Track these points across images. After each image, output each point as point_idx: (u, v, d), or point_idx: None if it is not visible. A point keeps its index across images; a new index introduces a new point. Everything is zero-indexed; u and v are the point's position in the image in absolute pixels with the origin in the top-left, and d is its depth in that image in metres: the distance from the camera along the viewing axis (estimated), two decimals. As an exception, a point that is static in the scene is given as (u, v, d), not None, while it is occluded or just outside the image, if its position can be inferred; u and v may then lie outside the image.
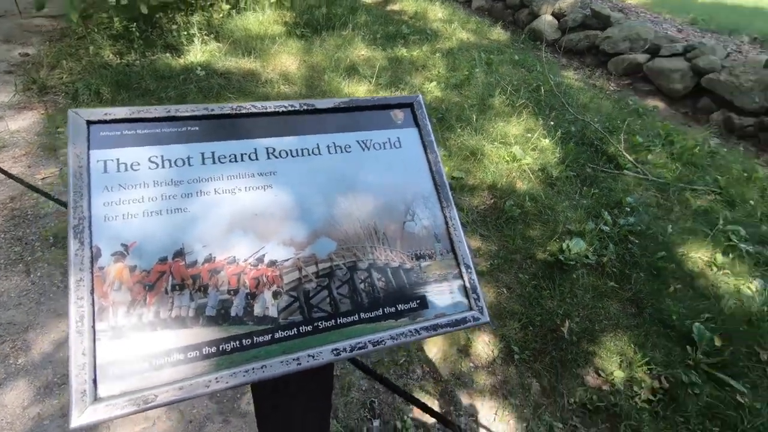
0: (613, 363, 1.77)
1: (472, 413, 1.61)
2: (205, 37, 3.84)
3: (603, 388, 1.70)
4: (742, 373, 1.76)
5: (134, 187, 0.57)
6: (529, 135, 3.24)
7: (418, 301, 0.62)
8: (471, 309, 0.63)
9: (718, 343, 1.84)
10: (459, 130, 3.22)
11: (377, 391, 1.63)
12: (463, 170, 2.83)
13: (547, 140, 3.20)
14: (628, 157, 3.17)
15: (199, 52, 3.63)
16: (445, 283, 0.64)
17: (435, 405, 1.62)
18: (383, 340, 0.57)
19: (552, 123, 3.44)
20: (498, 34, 5.62)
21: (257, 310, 0.56)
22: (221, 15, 4.15)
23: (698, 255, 2.36)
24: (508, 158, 2.96)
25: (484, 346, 1.83)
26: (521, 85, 4.03)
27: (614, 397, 1.65)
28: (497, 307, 1.99)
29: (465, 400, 1.64)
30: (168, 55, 3.54)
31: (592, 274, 2.16)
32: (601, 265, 2.20)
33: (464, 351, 1.82)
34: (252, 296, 0.57)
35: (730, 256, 2.38)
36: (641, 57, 4.80)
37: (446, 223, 0.67)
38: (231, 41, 3.86)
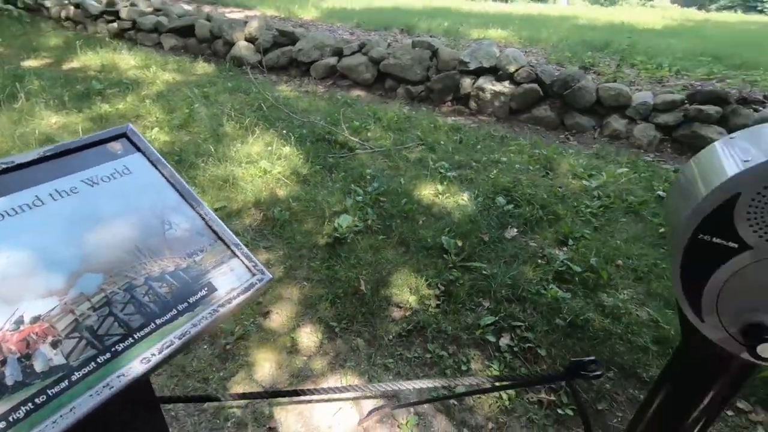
0: (406, 293, 2.17)
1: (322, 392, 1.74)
2: None
3: (406, 315, 2.07)
4: (479, 256, 2.42)
5: None
6: (270, 148, 3.47)
7: (206, 289, 0.69)
8: (254, 275, 0.74)
9: (460, 243, 2.48)
10: (202, 164, 3.20)
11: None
12: (223, 199, 2.85)
13: (287, 147, 3.50)
14: (355, 139, 3.77)
15: None
16: (223, 265, 0.73)
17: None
18: (187, 331, 0.63)
19: (285, 132, 3.77)
20: (203, 68, 5.66)
21: (39, 366, 0.53)
22: None
23: (427, 191, 3.06)
24: (260, 173, 3.12)
25: (307, 336, 1.97)
26: (244, 107, 4.23)
27: (416, 316, 2.04)
28: (306, 299, 2.15)
29: (312, 386, 1.75)
30: None
31: (365, 237, 2.55)
32: (369, 227, 2.62)
33: (293, 350, 1.91)
34: (27, 357, 0.53)
35: (445, 183, 3.17)
36: (332, 60, 5.65)
37: (203, 219, 0.76)
38: None
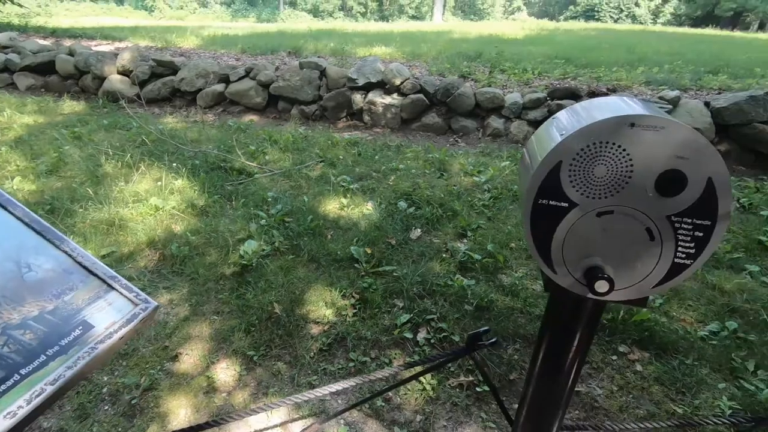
0: (322, 308, 2.17)
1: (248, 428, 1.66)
2: None
3: (325, 329, 2.07)
4: (389, 259, 2.51)
5: None
6: (159, 183, 3.26)
7: (80, 328, 0.64)
8: (137, 305, 0.71)
9: (369, 251, 2.54)
10: (81, 210, 2.89)
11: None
12: (110, 244, 2.60)
13: (179, 180, 3.30)
14: (252, 164, 3.69)
15: None
16: (99, 300, 0.68)
17: (210, 451, 1.57)
18: (61, 375, 0.58)
19: (175, 164, 3.56)
20: (71, 106, 5.15)
21: None
22: None
23: (332, 206, 3.10)
24: (151, 211, 2.90)
25: (223, 371, 1.87)
26: (125, 144, 3.93)
27: (335, 328, 2.05)
28: (218, 333, 2.04)
29: (238, 427, 1.66)
30: None
31: (274, 259, 2.50)
32: (276, 249, 2.57)
33: (210, 389, 1.80)
34: None
35: (349, 196, 3.23)
36: (219, 87, 5.48)
37: (69, 256, 0.71)
38: None
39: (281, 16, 30.16)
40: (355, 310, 2.15)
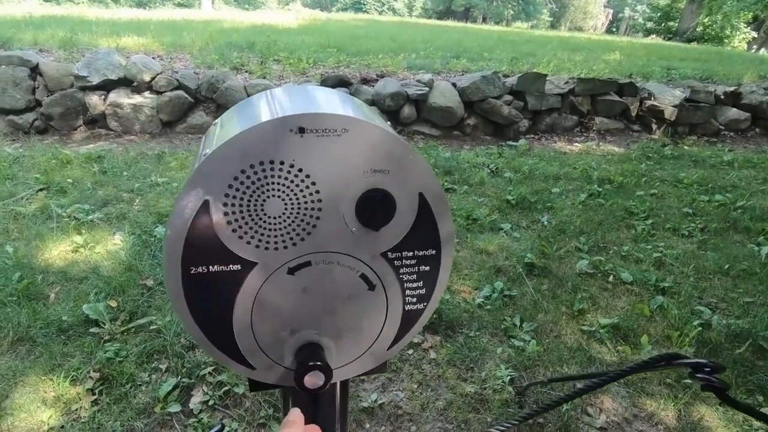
0: (38, 411, 1.51)
1: None
2: None
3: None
4: (145, 308, 1.95)
5: None
6: None
7: None
8: None
9: (114, 304, 1.93)
10: None
11: None
12: None
13: None
14: None
15: None
16: None
17: None
18: None
19: None
20: None
21: None
22: None
23: (58, 250, 2.29)
24: None
25: None
26: None
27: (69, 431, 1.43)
28: None
29: None
30: None
31: None
32: None
33: None
34: None
35: (85, 231, 2.46)
36: None
37: None
38: None
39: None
40: (94, 396, 1.56)
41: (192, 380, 1.65)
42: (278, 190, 0.45)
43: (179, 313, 0.47)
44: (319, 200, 0.46)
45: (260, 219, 0.45)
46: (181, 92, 4.31)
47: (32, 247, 2.29)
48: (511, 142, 4.60)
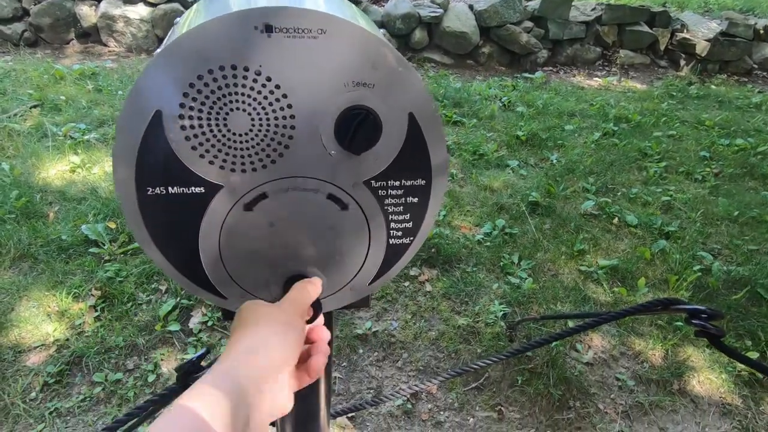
0: (43, 324, 1.56)
1: None
2: None
3: (51, 353, 1.50)
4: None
5: None
6: None
7: None
8: None
9: (113, 226, 1.93)
10: None
11: None
12: None
13: None
14: None
15: None
16: None
17: None
18: None
19: None
20: None
21: None
22: None
23: (56, 169, 2.25)
24: None
25: None
26: None
27: (66, 348, 1.50)
28: None
29: None
30: None
31: None
32: None
33: None
34: None
35: (82, 151, 2.41)
36: None
37: None
38: None
39: None
40: (97, 312, 1.61)
41: (191, 302, 1.69)
42: (243, 102, 0.38)
43: (137, 238, 0.43)
44: (292, 116, 0.40)
45: (224, 136, 0.39)
46: (177, 5, 4.02)
47: (29, 166, 2.26)
48: (527, 74, 4.34)
